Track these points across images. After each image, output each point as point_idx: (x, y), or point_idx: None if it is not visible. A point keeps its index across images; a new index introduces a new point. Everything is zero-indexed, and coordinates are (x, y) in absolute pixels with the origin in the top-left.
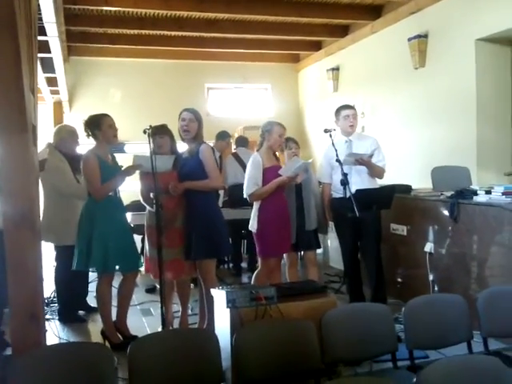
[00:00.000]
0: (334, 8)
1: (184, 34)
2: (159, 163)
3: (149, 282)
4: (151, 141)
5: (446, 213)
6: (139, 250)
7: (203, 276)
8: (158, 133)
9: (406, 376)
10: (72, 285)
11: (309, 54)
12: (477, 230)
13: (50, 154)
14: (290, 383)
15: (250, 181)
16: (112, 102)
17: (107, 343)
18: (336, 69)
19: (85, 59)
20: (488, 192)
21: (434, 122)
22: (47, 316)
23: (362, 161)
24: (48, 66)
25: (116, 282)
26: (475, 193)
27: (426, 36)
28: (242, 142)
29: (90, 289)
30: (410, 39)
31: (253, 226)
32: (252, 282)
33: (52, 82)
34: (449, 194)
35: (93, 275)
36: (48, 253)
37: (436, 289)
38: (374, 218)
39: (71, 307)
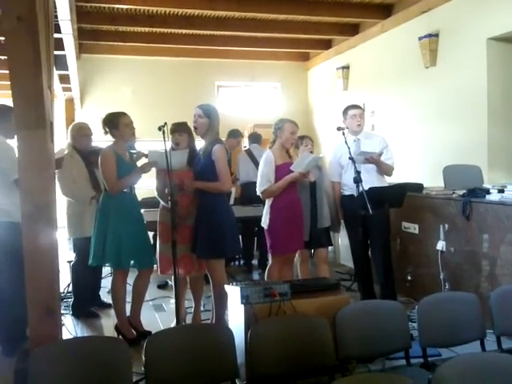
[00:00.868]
0: (344, 6)
1: (194, 32)
2: (173, 159)
3: (161, 278)
4: (170, 138)
5: (457, 211)
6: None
7: (210, 274)
8: (178, 130)
9: (419, 373)
10: (88, 280)
11: (318, 52)
12: (489, 229)
13: (67, 154)
14: (303, 379)
15: (263, 178)
16: (123, 99)
17: (121, 338)
18: (346, 67)
19: (96, 57)
20: (501, 191)
21: (445, 121)
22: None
23: (372, 159)
24: (60, 63)
25: (130, 278)
26: (488, 191)
27: (436, 35)
28: (256, 138)
29: (102, 284)
30: (420, 38)
31: (265, 221)
32: (265, 278)
33: (64, 79)
34: (461, 192)
35: (105, 270)
36: (63, 248)
37: (447, 287)
38: (383, 216)
39: (85, 302)
